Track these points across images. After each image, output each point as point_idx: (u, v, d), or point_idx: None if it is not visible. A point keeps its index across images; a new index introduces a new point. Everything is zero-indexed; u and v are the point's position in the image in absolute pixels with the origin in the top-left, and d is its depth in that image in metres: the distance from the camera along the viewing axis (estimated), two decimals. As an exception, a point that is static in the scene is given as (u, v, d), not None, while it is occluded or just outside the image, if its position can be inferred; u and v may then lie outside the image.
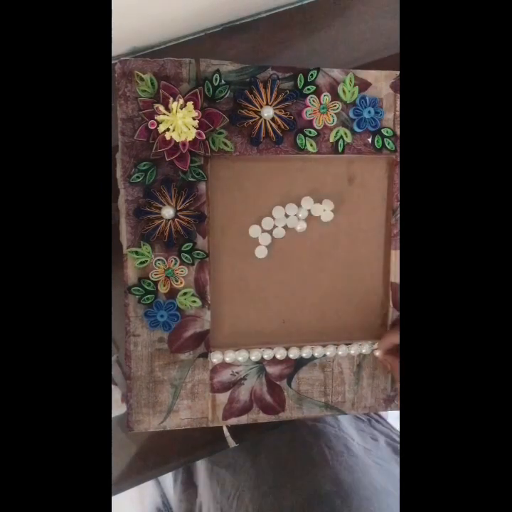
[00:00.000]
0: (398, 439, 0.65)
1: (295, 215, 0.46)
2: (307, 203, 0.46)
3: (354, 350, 0.47)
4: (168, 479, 0.87)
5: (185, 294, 0.44)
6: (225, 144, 0.43)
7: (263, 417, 0.46)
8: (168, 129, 0.40)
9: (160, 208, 0.42)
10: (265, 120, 0.43)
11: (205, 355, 0.45)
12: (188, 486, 0.66)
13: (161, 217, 0.42)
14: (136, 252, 0.42)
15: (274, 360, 0.46)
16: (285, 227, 0.46)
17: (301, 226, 0.46)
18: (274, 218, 0.46)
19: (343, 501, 0.48)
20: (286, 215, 0.46)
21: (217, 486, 0.56)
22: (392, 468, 0.58)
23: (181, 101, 0.40)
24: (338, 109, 0.44)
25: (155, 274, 0.43)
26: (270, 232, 0.46)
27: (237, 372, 0.46)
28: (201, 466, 0.64)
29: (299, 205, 0.46)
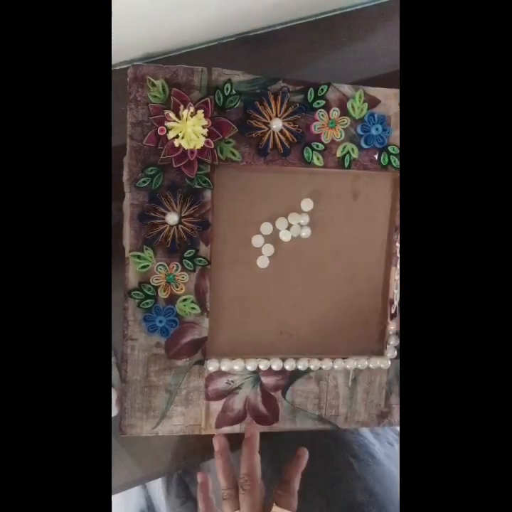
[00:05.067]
0: None
1: (298, 223, 0.46)
2: (307, 205, 0.46)
3: (350, 364, 0.47)
4: (154, 482, 0.87)
5: (185, 300, 0.44)
6: (233, 154, 0.43)
7: (256, 427, 0.46)
8: (177, 136, 0.40)
9: (164, 214, 0.42)
10: (274, 132, 0.43)
11: (201, 363, 0.45)
12: (186, 499, 0.66)
13: (165, 223, 0.42)
14: (138, 256, 0.43)
15: (269, 371, 0.46)
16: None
17: (305, 232, 0.46)
18: (278, 229, 0.46)
19: (380, 511, 0.47)
20: (289, 226, 0.46)
21: None
22: None
23: (192, 109, 0.40)
24: (346, 124, 0.45)
25: (156, 279, 0.43)
26: (269, 237, 0.46)
27: (232, 381, 0.46)
28: None
29: (300, 212, 0.46)
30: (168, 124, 0.40)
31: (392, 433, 0.66)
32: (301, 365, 0.46)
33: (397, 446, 0.63)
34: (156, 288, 0.43)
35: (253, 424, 0.46)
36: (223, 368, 0.45)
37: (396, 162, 0.46)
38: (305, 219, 0.46)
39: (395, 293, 0.48)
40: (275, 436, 0.48)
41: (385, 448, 0.61)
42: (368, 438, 0.61)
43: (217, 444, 0.45)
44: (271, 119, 0.43)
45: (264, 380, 0.46)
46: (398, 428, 0.67)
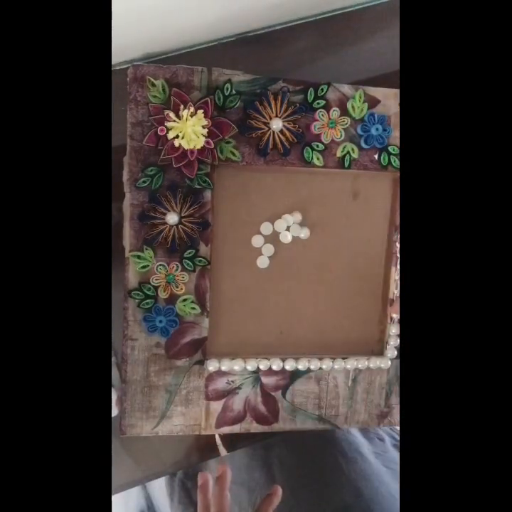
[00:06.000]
0: None
1: (298, 223, 0.46)
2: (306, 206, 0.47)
3: (350, 364, 0.47)
4: (154, 482, 0.87)
5: (185, 300, 0.44)
6: (233, 154, 0.43)
7: (256, 427, 0.46)
8: (177, 136, 0.40)
9: (164, 214, 0.42)
10: (274, 132, 0.43)
11: (201, 363, 0.45)
12: (189, 505, 0.66)
13: (165, 223, 0.42)
14: (138, 256, 0.43)
15: (270, 371, 0.46)
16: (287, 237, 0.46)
17: (305, 233, 0.46)
18: (278, 232, 0.46)
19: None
20: (289, 226, 0.46)
21: (235, 504, 0.55)
22: None
23: (192, 109, 0.40)
24: (346, 124, 0.45)
25: (156, 279, 0.43)
26: (269, 237, 0.46)
27: (232, 381, 0.46)
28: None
29: (300, 212, 0.47)
30: (168, 124, 0.40)
31: (384, 427, 0.66)
32: (301, 365, 0.46)
33: (388, 442, 0.63)
34: (156, 288, 0.43)
35: (224, 463, 0.48)
36: (223, 368, 0.45)
37: (396, 162, 0.46)
38: (305, 219, 0.46)
39: (395, 293, 0.48)
40: (264, 445, 0.49)
41: (374, 446, 0.60)
42: (357, 436, 0.61)
43: (200, 479, 0.47)
44: (271, 119, 0.43)
45: (264, 380, 0.46)
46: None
